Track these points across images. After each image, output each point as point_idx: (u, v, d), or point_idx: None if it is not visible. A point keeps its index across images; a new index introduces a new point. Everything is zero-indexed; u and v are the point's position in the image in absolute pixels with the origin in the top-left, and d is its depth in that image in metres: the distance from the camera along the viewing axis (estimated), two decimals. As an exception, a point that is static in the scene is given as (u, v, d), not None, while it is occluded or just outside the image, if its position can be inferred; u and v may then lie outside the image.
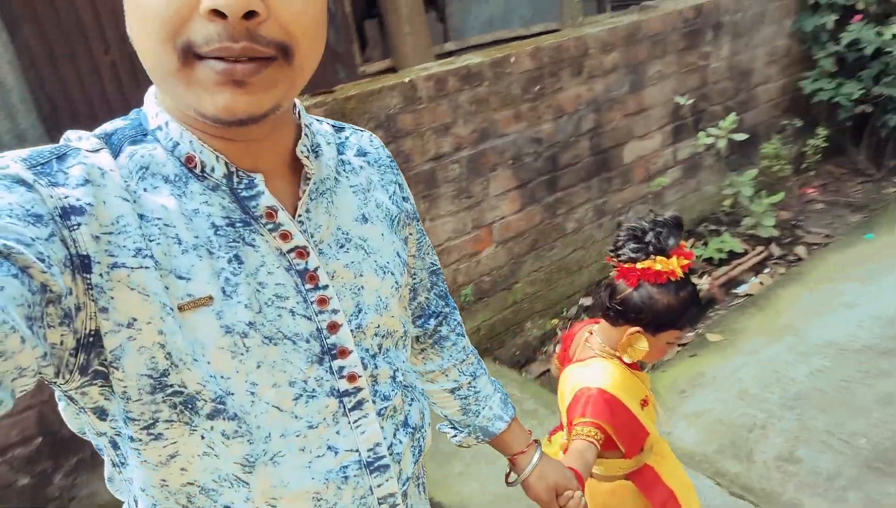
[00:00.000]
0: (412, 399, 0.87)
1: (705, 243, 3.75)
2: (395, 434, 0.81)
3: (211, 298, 0.66)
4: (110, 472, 0.79)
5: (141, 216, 0.65)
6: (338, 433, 0.75)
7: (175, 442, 0.69)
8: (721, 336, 3.07)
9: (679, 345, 1.41)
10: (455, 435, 1.16)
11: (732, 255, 3.65)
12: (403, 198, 0.92)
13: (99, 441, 0.74)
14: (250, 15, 0.57)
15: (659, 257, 1.36)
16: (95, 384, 0.65)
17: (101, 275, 0.61)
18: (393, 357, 0.82)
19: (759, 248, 3.71)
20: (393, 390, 0.81)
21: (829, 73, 4.08)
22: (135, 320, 0.63)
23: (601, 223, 3.41)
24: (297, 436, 0.72)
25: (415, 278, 1.00)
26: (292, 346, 0.71)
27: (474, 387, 1.11)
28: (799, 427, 2.50)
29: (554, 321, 3.23)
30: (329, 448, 0.74)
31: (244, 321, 0.68)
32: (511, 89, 2.80)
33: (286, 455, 0.72)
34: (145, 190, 0.66)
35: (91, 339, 0.62)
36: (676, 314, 1.37)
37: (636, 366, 1.53)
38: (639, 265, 1.38)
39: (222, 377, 0.67)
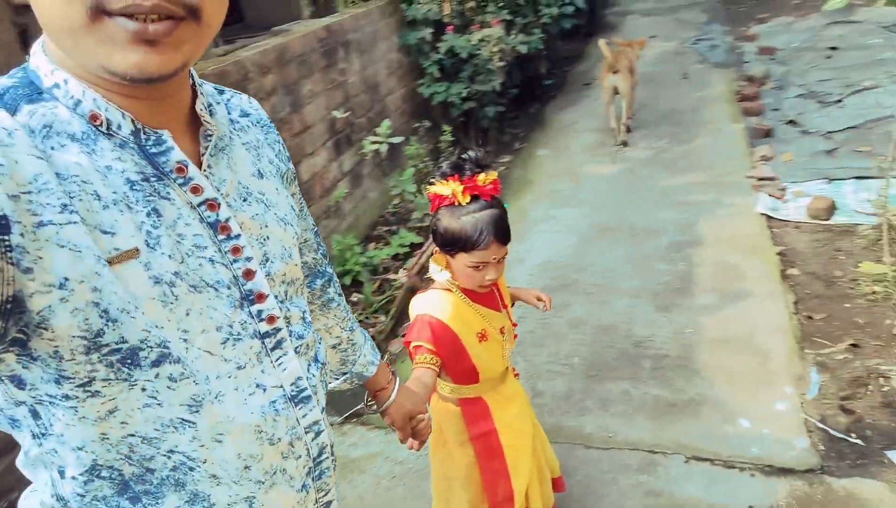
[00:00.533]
0: (319, 339, 0.95)
1: (388, 243, 4.01)
2: (308, 369, 0.87)
3: (137, 250, 0.68)
4: (28, 446, 0.75)
5: (57, 174, 0.64)
6: (263, 371, 0.80)
7: (113, 399, 0.69)
8: (437, 317, 3.34)
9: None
10: (329, 383, 1.23)
11: (414, 246, 3.99)
12: (287, 158, 0.98)
13: (16, 413, 0.72)
14: None
15: (439, 181, 1.49)
16: (12, 350, 0.65)
17: (22, 235, 0.60)
18: (298, 302, 0.89)
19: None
20: (305, 329, 0.88)
21: (436, 78, 4.73)
22: (67, 279, 0.63)
23: (299, 245, 3.37)
24: (230, 377, 0.77)
25: (300, 238, 1.05)
26: (215, 293, 0.75)
27: (352, 340, 1.22)
28: (530, 366, 2.89)
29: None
30: (258, 385, 0.80)
31: (170, 271, 0.70)
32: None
33: (225, 394, 0.76)
34: (52, 148, 0.65)
35: (9, 306, 0.60)
36: (455, 236, 1.46)
37: (490, 303, 1.63)
38: (430, 189, 1.52)
39: (157, 327, 0.69)
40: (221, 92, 0.90)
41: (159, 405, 0.71)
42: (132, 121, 0.70)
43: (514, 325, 1.72)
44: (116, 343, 0.66)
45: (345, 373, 1.24)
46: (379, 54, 4.32)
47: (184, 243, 0.73)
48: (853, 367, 2.60)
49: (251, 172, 0.85)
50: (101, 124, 0.68)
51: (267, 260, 0.82)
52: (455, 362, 1.57)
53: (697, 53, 7.17)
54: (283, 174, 0.93)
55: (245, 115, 0.91)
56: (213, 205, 0.76)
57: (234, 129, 0.86)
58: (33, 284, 0.61)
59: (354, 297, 3.53)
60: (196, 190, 0.74)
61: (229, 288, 0.76)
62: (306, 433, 0.85)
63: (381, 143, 3.64)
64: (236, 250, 0.78)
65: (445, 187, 1.47)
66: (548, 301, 1.85)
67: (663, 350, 2.89)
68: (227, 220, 0.77)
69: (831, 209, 3.66)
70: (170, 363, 0.71)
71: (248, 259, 0.79)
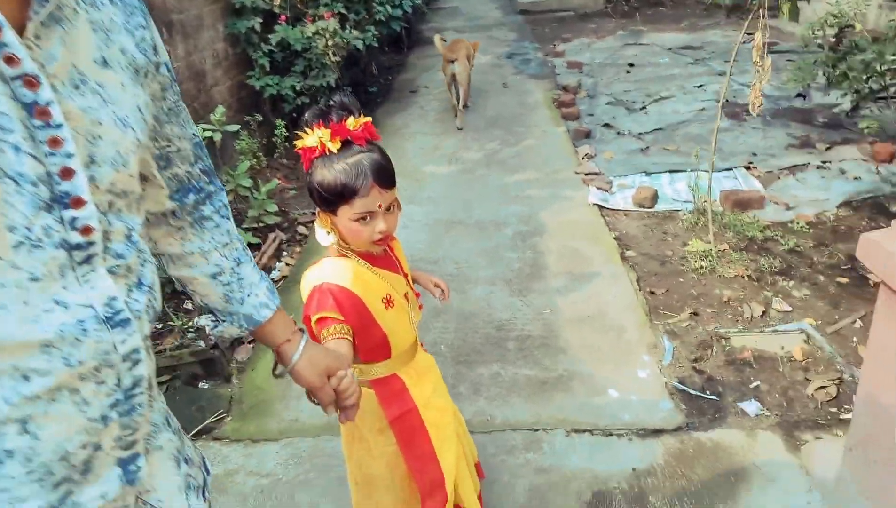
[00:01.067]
0: (145, 260, 0.83)
1: (222, 244, 3.63)
2: (129, 293, 0.78)
3: None
4: None
5: None
6: (64, 288, 0.70)
7: None
8: (288, 317, 3.08)
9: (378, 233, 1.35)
10: (216, 326, 1.09)
11: (252, 247, 3.66)
12: (154, 49, 0.84)
13: None
14: None
15: (304, 132, 1.34)
16: None
17: None
18: (127, 218, 0.79)
19: (271, 235, 3.82)
20: (128, 249, 0.78)
21: (266, 71, 4.44)
22: None
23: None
24: (18, 288, 0.67)
25: (170, 147, 0.93)
26: (15, 187, 0.64)
27: (238, 273, 1.05)
28: (397, 359, 2.74)
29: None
30: (57, 302, 0.70)
31: None
32: None
33: (7, 306, 0.66)
34: None
35: None
36: (331, 187, 1.31)
37: (389, 266, 1.47)
38: (297, 145, 1.36)
39: None
40: None
41: None
42: None
43: (418, 295, 1.58)
44: None
45: (231, 313, 1.05)
46: (204, 42, 3.95)
47: None
48: (697, 333, 2.81)
49: (93, 56, 0.73)
50: None
51: (93, 162, 0.72)
52: (365, 334, 1.38)
53: (513, 66, 7.57)
54: (138, 68, 0.80)
55: None
56: (31, 82, 0.64)
57: (84, 1, 0.73)
58: None
59: (188, 304, 3.14)
60: (11, 61, 0.63)
61: (35, 185, 0.66)
62: (123, 361, 0.76)
63: (215, 130, 3.30)
64: (55, 141, 0.67)
65: (311, 138, 1.31)
66: (446, 291, 1.73)
67: (526, 331, 2.90)
68: (48, 104, 0.66)
69: (654, 198, 3.98)
70: None
71: (69, 156, 0.68)
